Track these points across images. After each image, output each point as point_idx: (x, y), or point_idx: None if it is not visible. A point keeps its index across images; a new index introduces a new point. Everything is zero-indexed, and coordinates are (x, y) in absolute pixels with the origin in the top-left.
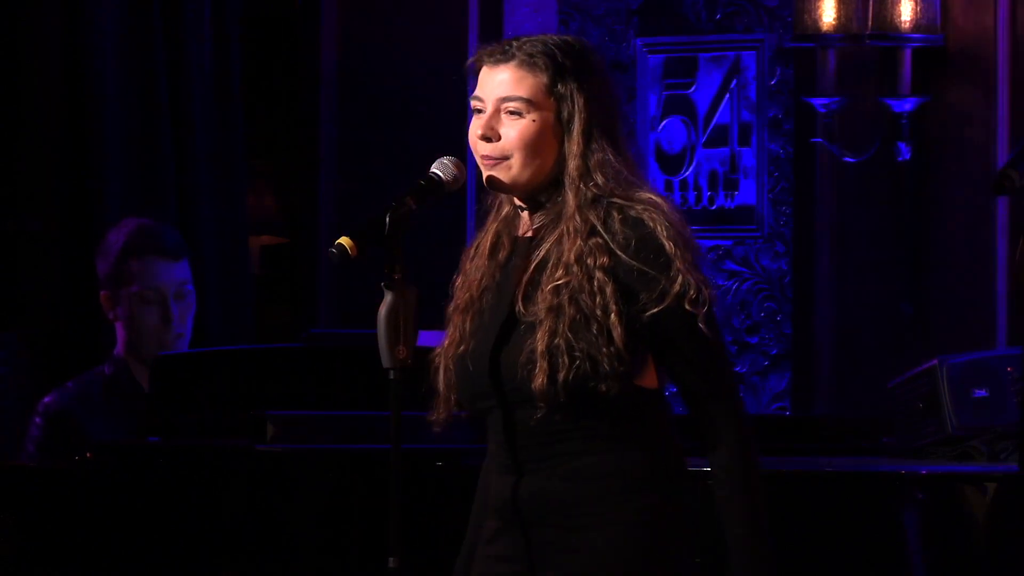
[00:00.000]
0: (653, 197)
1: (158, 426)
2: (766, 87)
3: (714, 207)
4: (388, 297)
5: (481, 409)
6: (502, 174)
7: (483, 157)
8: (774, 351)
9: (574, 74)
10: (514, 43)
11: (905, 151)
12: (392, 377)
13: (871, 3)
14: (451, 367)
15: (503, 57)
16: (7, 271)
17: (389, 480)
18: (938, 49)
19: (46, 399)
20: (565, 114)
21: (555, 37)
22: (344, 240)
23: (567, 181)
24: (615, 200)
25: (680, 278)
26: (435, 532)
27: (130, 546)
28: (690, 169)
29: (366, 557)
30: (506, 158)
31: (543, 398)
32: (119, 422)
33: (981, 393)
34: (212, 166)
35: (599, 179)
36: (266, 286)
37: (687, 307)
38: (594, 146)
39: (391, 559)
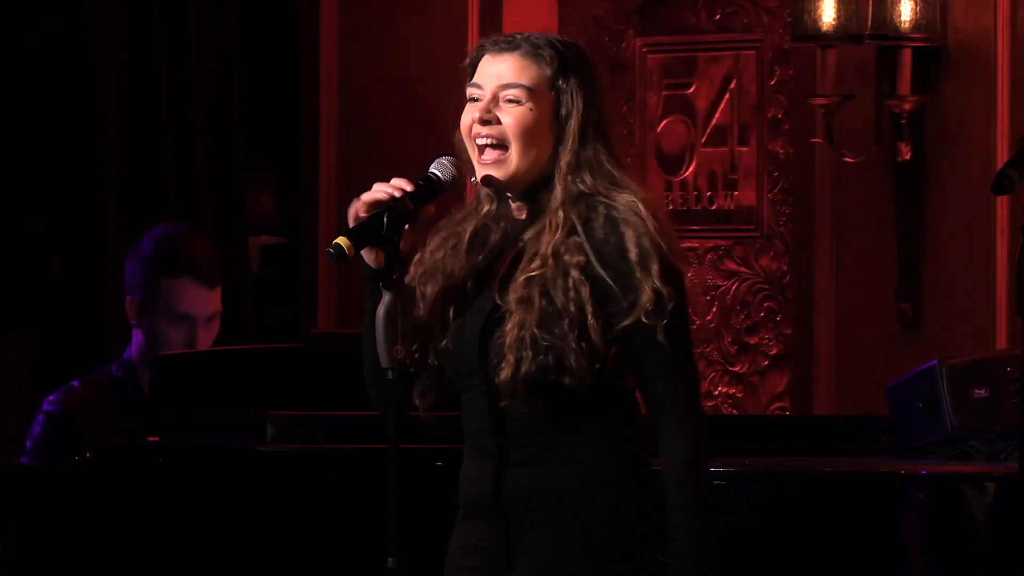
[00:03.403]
0: (636, 201)
1: (158, 426)
2: (766, 87)
3: (714, 207)
4: (386, 297)
5: (465, 388)
6: (500, 171)
7: (478, 138)
8: (774, 351)
9: (576, 72)
10: (519, 35)
11: (905, 151)
12: (391, 377)
13: (871, 3)
14: (432, 357)
15: (508, 47)
16: (7, 270)
17: (389, 480)
18: (938, 49)
19: (51, 398)
20: (563, 110)
21: (558, 36)
22: (342, 240)
23: (557, 175)
24: (600, 199)
25: (641, 295)
26: (435, 532)
27: (130, 546)
28: (690, 169)
29: (366, 557)
30: (503, 146)
31: (505, 390)
32: (122, 425)
33: (981, 393)
34: (212, 166)
35: (587, 177)
36: (266, 286)
37: (643, 319)
38: (588, 145)
39: (391, 559)
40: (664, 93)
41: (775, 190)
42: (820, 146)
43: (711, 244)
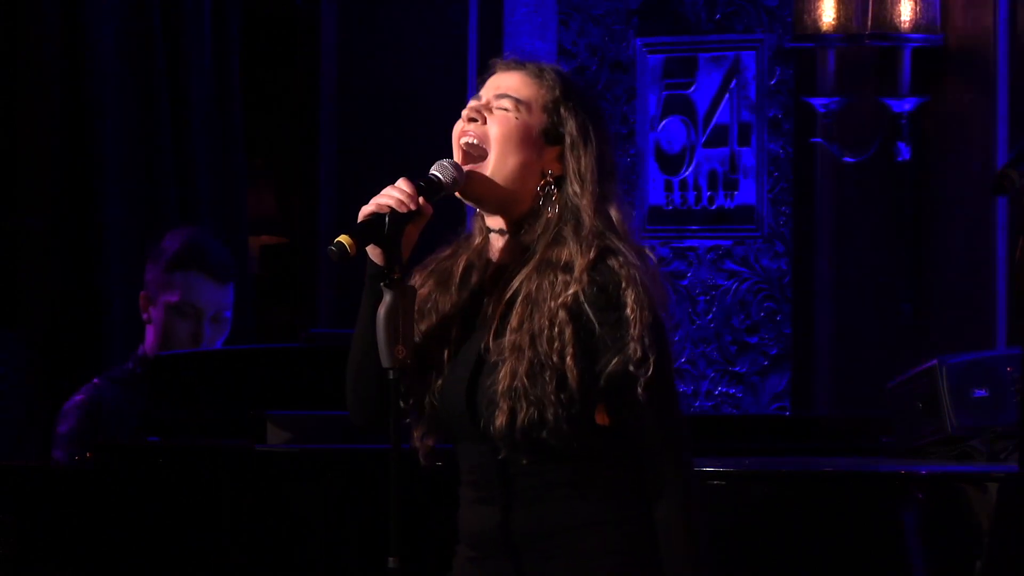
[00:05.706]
0: (625, 249)
1: (158, 426)
2: (766, 87)
3: (714, 207)
4: (387, 297)
5: (459, 437)
6: (477, 176)
7: (462, 136)
8: (774, 351)
9: (577, 105)
10: (532, 60)
11: (905, 151)
12: (391, 377)
13: (871, 3)
14: (430, 399)
15: (516, 65)
16: (7, 270)
17: (389, 480)
18: (938, 49)
19: (77, 397)
20: (556, 135)
21: (573, 76)
22: (343, 238)
23: (548, 215)
24: (595, 241)
25: (628, 345)
26: (435, 532)
27: (130, 546)
28: (690, 169)
29: (366, 557)
30: (483, 150)
31: (501, 439)
32: (136, 421)
33: (981, 393)
34: (212, 166)
35: (584, 218)
36: (266, 286)
37: (631, 369)
38: (579, 181)
39: (391, 559)
40: (664, 93)
41: (775, 190)
42: (820, 146)
43: (711, 244)
